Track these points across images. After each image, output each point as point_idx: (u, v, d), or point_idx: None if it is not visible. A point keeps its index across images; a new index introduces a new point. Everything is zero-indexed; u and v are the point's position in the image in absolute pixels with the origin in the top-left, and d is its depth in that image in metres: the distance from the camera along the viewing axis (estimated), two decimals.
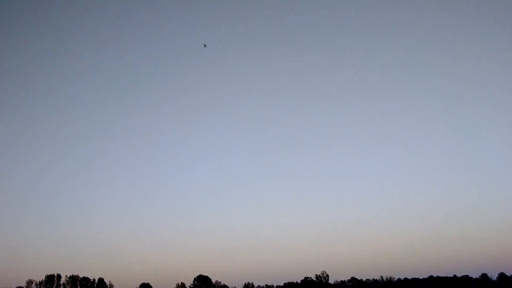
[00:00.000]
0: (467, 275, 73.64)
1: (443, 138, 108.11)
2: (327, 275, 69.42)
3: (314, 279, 69.24)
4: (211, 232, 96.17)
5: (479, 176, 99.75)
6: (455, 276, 73.47)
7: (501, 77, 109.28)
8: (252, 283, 74.00)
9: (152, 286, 66.42)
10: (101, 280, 65.12)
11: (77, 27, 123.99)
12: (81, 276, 64.43)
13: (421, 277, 74.96)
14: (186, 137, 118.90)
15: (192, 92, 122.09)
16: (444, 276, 73.75)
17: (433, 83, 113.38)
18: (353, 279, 74.60)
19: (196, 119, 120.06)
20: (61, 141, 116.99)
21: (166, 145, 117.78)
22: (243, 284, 73.40)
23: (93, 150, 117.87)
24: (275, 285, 74.06)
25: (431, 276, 74.00)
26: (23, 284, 62.36)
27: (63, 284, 63.44)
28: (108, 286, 65.29)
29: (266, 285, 75.41)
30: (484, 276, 73.17)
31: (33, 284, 62.21)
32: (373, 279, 76.19)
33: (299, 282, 69.74)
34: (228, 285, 69.52)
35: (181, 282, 67.74)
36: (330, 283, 69.65)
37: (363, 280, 74.69)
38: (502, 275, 71.69)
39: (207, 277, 66.38)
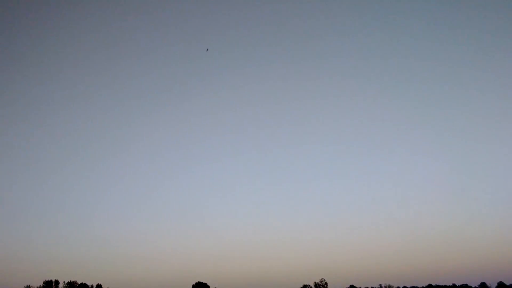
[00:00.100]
0: (466, 284, 73.53)
1: (444, 142, 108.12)
2: (326, 283, 69.27)
3: (313, 287, 69.07)
4: (209, 239, 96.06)
5: (480, 183, 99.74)
6: (454, 285, 73.36)
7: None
8: None
9: None
10: (99, 286, 64.94)
11: (77, 30, 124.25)
12: (79, 282, 64.27)
13: (420, 286, 74.88)
14: (187, 140, 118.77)
15: (197, 95, 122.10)
16: (443, 285, 73.64)
17: (434, 85, 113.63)
18: (351, 287, 74.40)
19: (197, 123, 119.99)
20: (62, 142, 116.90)
21: (166, 148, 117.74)
22: None
23: (94, 153, 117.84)
24: None
25: (429, 285, 73.89)
26: None
27: None
28: None
29: None
30: (483, 285, 73.05)
31: None
32: (372, 287, 76.06)
33: None
34: None
35: None
36: None
37: None
38: (501, 284, 71.55)
39: (205, 284, 66.17)
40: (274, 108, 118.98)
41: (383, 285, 74.93)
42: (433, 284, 73.53)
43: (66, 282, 63.94)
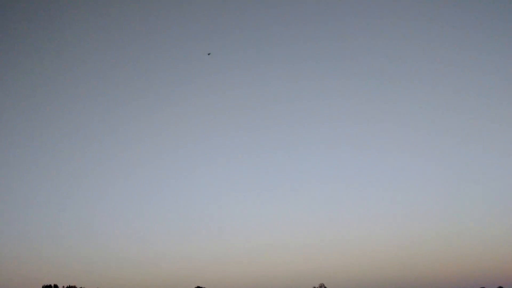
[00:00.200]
0: None
1: (440, 145, 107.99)
2: None
3: None
4: (209, 243, 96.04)
5: (477, 185, 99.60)
6: None
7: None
8: None
9: None
10: None
11: (79, 31, 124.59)
12: (79, 287, 64.28)
13: None
14: (189, 142, 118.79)
15: (198, 96, 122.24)
16: None
17: (430, 87, 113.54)
18: None
19: (200, 124, 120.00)
20: (61, 143, 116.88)
21: (168, 150, 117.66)
22: None
23: (95, 154, 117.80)
24: None
25: None
26: None
27: None
28: None
29: None
30: None
31: None
32: None
33: None
34: None
35: None
36: None
37: None
38: None
39: None
40: (280, 109, 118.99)
41: None
42: None
43: (66, 286, 63.97)
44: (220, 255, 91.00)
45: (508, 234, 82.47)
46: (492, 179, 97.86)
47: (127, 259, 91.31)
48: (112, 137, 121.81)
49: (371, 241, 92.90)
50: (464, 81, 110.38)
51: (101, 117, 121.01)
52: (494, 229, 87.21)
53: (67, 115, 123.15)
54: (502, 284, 72.03)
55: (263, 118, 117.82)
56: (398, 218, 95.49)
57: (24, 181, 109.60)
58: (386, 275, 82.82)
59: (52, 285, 63.53)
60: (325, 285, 68.99)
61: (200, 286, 66.30)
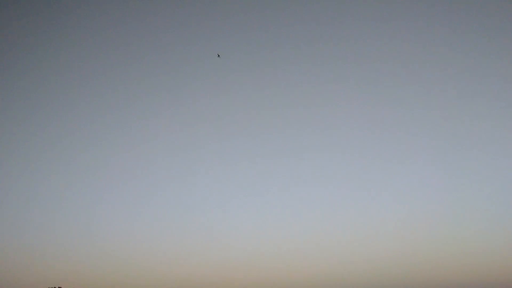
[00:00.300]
0: None
1: (443, 150, 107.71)
2: None
3: None
4: (212, 248, 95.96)
5: (480, 191, 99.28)
6: None
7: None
8: None
9: None
10: None
11: (80, 29, 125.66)
12: None
13: None
14: (191, 143, 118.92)
15: (202, 97, 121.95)
16: None
17: (435, 92, 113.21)
18: None
19: (202, 126, 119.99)
20: (61, 144, 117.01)
21: (168, 152, 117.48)
22: None
23: (97, 155, 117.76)
24: None
25: None
26: None
27: None
28: None
29: None
30: None
31: None
32: None
33: None
34: None
35: None
36: None
37: None
38: None
39: None
40: (283, 115, 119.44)
41: None
42: None
43: None
44: (224, 261, 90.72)
45: (508, 246, 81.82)
46: (495, 185, 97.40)
47: (130, 263, 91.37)
48: (114, 140, 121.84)
49: (374, 246, 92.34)
50: (468, 87, 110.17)
51: (104, 120, 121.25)
52: (498, 237, 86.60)
53: (68, 116, 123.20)
54: None
55: (269, 123, 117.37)
56: (399, 223, 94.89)
57: (25, 183, 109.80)
58: (395, 281, 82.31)
59: (57, 287, 63.67)
60: None
61: None
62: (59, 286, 63.97)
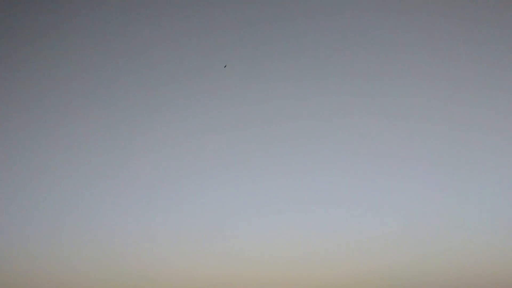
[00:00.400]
0: None
1: (437, 162, 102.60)
2: None
3: None
4: (230, 260, 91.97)
5: (477, 206, 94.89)
6: None
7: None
8: None
9: None
10: None
11: (76, 30, 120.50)
12: None
13: None
14: (205, 154, 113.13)
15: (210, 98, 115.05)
16: None
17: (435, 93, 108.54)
18: None
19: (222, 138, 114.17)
20: (66, 147, 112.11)
21: (181, 164, 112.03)
22: None
23: (108, 161, 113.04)
24: None
25: None
26: None
27: None
28: None
29: None
30: None
31: None
32: None
33: None
34: None
35: None
36: None
37: None
38: None
39: None
40: (284, 127, 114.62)
41: None
42: None
43: None
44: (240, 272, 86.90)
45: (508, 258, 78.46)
46: (497, 198, 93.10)
47: (138, 276, 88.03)
48: (120, 150, 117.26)
49: (369, 262, 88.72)
50: (468, 96, 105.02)
51: (111, 126, 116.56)
52: (499, 252, 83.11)
53: (74, 118, 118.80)
54: None
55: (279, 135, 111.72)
56: (394, 238, 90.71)
57: (29, 183, 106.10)
58: None
59: None
60: None
61: None
62: None
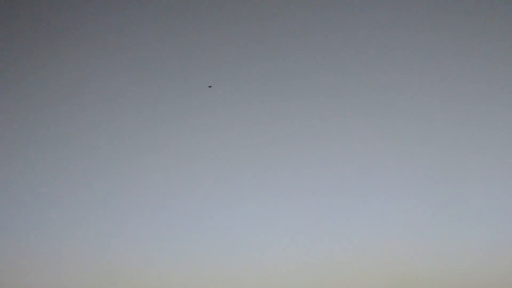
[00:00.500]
0: None
1: (427, 183, 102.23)
2: None
3: None
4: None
5: (470, 228, 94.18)
6: None
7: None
8: None
9: None
10: None
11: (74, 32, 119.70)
12: None
13: None
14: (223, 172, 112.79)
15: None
16: None
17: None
18: None
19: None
20: (72, 152, 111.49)
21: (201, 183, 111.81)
22: None
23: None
24: None
25: None
26: None
27: None
28: None
29: None
30: None
31: None
32: None
33: None
34: None
35: None
36: None
37: None
38: None
39: None
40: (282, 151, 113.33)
41: None
42: None
43: None
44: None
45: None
46: (491, 220, 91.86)
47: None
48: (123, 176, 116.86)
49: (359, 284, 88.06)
50: (462, 116, 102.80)
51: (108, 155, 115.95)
52: (492, 276, 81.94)
53: (88, 128, 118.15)
54: None
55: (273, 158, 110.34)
56: (385, 259, 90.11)
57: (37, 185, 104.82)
58: None
59: None
60: None
61: None
62: None
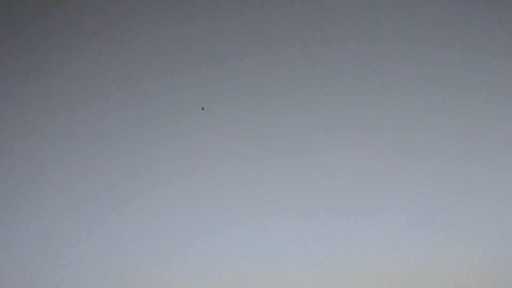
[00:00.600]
0: None
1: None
2: None
3: None
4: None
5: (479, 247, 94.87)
6: None
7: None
8: None
9: None
10: None
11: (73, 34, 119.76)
12: None
13: None
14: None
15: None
16: None
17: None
18: None
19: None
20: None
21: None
22: None
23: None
24: None
25: None
26: None
27: None
28: None
29: None
30: None
31: None
32: None
33: None
34: None
35: None
36: None
37: None
38: None
39: None
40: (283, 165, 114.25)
41: None
42: None
43: None
44: None
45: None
46: (489, 240, 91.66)
47: None
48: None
49: None
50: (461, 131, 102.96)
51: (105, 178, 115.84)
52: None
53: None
54: None
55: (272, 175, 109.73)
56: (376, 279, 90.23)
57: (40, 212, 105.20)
58: None
59: None
60: None
61: None
62: None
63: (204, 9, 19.06)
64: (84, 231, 17.58)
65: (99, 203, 18.44)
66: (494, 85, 18.75)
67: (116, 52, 18.87)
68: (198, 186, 18.18)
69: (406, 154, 18.10)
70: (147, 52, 18.61)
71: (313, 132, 18.34)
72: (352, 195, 16.98)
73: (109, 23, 19.09)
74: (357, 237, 17.49)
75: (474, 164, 17.95)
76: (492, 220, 17.05)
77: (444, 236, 17.51)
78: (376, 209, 17.40)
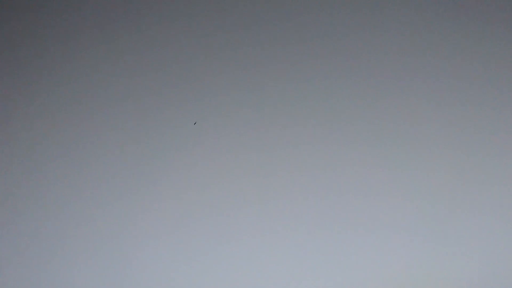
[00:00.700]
0: None
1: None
2: None
3: None
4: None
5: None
6: None
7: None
8: None
9: None
10: None
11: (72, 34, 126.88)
12: None
13: None
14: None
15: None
16: None
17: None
18: None
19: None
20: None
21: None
22: None
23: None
24: None
25: None
26: None
27: None
28: None
29: None
30: None
31: None
32: None
33: None
34: None
35: None
36: None
37: None
38: None
39: None
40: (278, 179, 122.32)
41: None
42: None
43: None
44: None
45: None
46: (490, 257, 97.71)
47: None
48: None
49: None
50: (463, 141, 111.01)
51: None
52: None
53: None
54: None
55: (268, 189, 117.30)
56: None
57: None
58: None
59: None
60: None
61: None
62: None
63: (204, 8, 22.68)
64: (84, 231, 21.45)
65: (101, 203, 22.43)
66: (501, 90, 22.04)
67: (116, 52, 22.83)
68: (200, 186, 22.16)
69: (407, 154, 21.61)
70: (148, 52, 22.29)
71: (313, 132, 22.11)
72: (352, 195, 20.30)
73: (110, 21, 22.63)
74: (359, 241, 21.31)
75: (478, 171, 21.18)
76: (498, 228, 20.30)
77: (446, 242, 20.81)
78: (377, 212, 20.77)
